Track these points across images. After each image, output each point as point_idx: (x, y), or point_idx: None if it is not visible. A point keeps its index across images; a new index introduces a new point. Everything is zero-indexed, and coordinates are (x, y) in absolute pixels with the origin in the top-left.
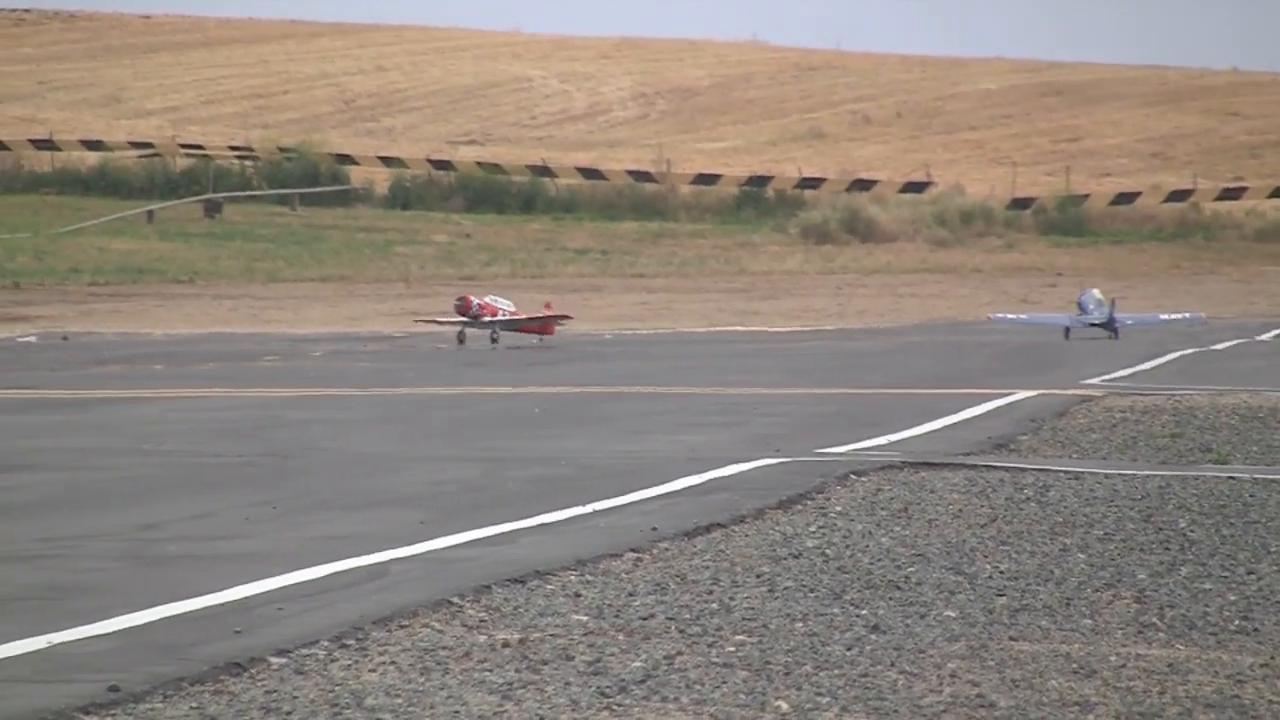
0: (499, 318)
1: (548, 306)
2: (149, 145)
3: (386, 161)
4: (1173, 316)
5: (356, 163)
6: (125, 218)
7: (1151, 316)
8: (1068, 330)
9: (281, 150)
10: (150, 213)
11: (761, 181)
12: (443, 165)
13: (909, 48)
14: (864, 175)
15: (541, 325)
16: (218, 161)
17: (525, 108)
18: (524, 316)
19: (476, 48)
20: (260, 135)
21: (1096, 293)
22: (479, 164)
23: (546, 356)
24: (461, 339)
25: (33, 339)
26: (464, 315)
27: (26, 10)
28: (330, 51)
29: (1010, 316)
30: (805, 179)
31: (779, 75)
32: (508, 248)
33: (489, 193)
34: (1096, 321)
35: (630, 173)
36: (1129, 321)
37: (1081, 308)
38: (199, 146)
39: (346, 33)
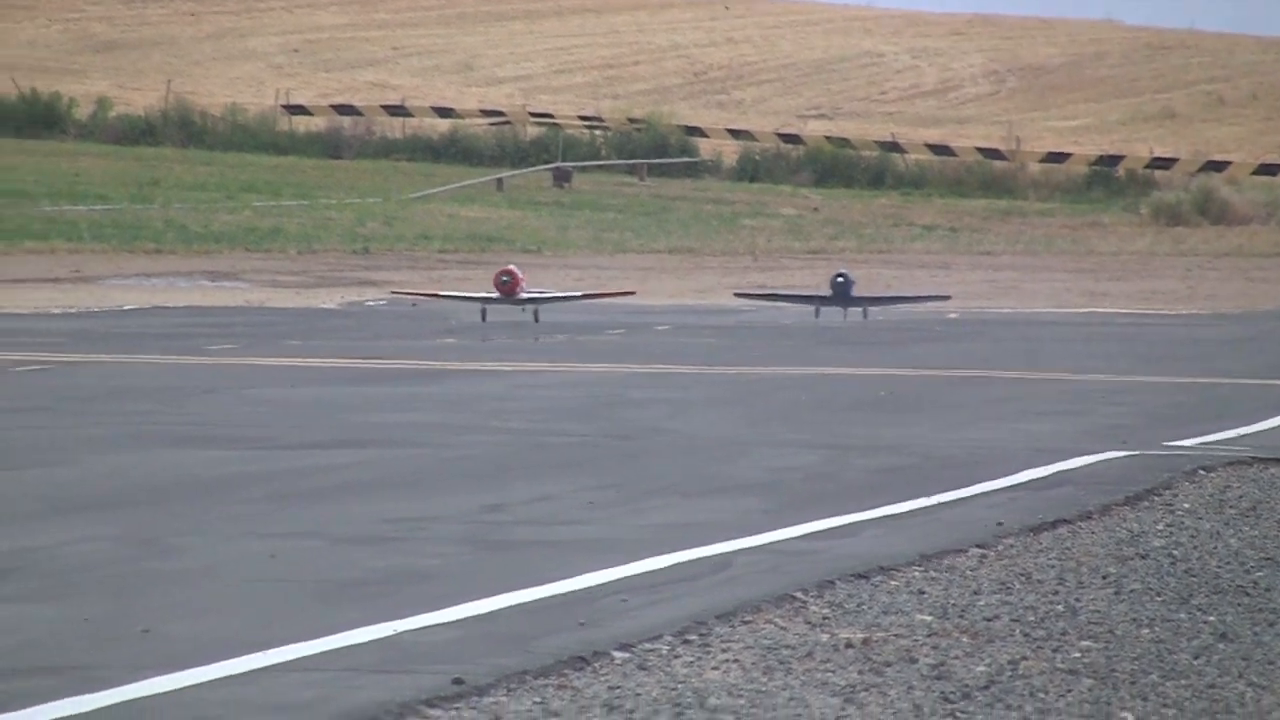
0: (544, 294)
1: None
2: (499, 113)
3: (735, 134)
4: None
5: (705, 135)
6: (475, 185)
7: None
8: None
9: (631, 121)
10: (500, 180)
11: (1112, 161)
12: (791, 139)
13: (1264, 29)
14: (1217, 157)
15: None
16: (567, 131)
17: (875, 83)
18: (579, 295)
19: (828, 22)
20: (610, 105)
21: None
22: (828, 138)
23: (894, 337)
24: (484, 316)
25: (382, 304)
26: (510, 294)
27: None
28: (681, 23)
29: None
30: (1156, 159)
31: (1131, 54)
32: (855, 222)
33: (837, 167)
34: None
35: (980, 150)
36: None
37: None
38: (549, 115)
39: (698, 4)
